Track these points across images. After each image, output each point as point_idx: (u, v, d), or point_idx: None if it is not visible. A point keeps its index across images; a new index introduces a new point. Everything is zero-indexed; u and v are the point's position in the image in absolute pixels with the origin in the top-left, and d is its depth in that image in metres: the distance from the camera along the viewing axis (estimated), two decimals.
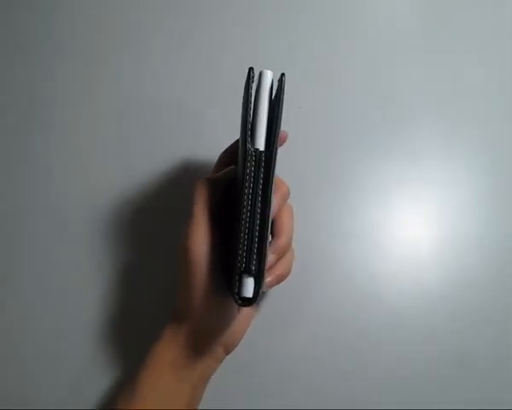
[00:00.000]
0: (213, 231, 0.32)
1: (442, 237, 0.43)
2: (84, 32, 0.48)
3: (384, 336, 0.41)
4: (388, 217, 0.44)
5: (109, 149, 0.45)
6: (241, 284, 0.27)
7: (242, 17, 0.49)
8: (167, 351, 0.34)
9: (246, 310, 0.34)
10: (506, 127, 0.46)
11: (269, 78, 0.30)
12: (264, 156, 0.28)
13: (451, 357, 0.40)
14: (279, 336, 0.40)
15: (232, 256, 0.28)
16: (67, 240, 0.43)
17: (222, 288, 0.32)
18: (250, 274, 0.27)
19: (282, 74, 0.30)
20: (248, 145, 0.28)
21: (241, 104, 0.30)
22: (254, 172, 0.28)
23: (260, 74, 0.30)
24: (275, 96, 0.30)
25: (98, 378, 0.39)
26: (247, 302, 0.27)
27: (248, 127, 0.28)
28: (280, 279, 0.33)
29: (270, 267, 0.32)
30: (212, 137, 0.44)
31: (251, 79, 0.29)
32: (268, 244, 0.29)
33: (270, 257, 0.32)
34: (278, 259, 0.33)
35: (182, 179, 0.44)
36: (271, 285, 0.33)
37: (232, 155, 0.36)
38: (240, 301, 0.27)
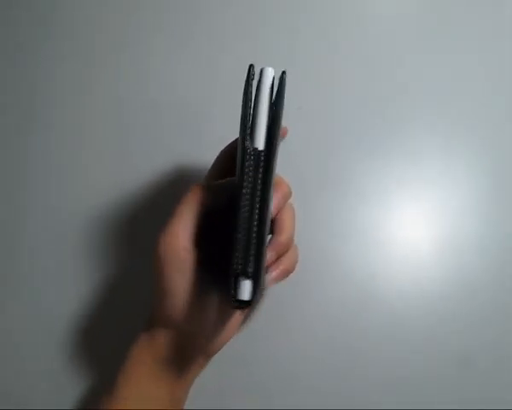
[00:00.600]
0: (199, 233, 0.31)
1: (442, 237, 0.43)
2: (84, 31, 0.48)
3: (384, 336, 0.41)
4: (388, 217, 0.44)
5: (109, 149, 0.45)
6: (237, 287, 0.26)
7: (242, 17, 0.49)
8: (144, 356, 0.32)
9: (234, 317, 0.32)
10: (506, 127, 0.46)
11: (270, 76, 0.29)
12: (264, 156, 0.27)
13: (451, 357, 0.40)
14: (279, 336, 0.40)
15: (227, 260, 0.27)
16: (67, 240, 0.43)
17: (210, 293, 0.31)
18: (247, 276, 0.26)
19: (283, 72, 0.29)
20: (247, 144, 0.27)
21: (241, 104, 0.30)
22: (253, 171, 0.27)
23: (261, 71, 0.29)
24: (276, 94, 0.29)
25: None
26: (244, 305, 0.26)
27: (248, 126, 0.28)
28: (285, 274, 0.32)
29: (271, 264, 0.31)
30: (212, 137, 0.44)
31: (251, 77, 0.29)
32: (267, 244, 0.29)
33: (270, 254, 0.30)
34: (278, 257, 0.31)
35: (181, 179, 0.44)
36: (277, 280, 0.31)
37: (230, 154, 0.35)
38: (236, 304, 0.26)
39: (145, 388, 0.32)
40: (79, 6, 0.49)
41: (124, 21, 0.49)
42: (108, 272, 0.42)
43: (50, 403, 0.39)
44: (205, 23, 0.49)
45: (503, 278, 0.42)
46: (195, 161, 0.44)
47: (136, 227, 0.43)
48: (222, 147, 0.37)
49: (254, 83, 0.29)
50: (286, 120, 0.29)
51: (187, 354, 0.32)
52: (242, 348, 0.40)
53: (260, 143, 0.28)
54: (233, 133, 0.35)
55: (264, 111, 0.28)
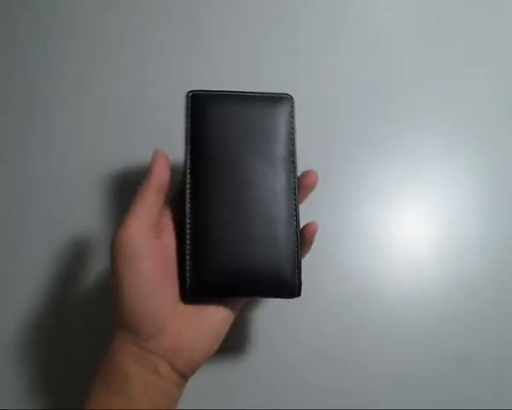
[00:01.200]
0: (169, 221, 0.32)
1: (442, 237, 0.43)
2: (84, 31, 0.48)
3: (384, 336, 0.41)
4: (388, 217, 0.44)
5: (110, 148, 0.45)
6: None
7: (242, 17, 0.49)
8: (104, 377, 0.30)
9: (213, 330, 0.31)
10: (506, 127, 0.46)
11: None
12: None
13: (451, 357, 0.40)
14: (278, 337, 0.40)
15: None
16: (67, 239, 0.43)
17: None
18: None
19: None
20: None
21: None
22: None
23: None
24: None
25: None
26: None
27: None
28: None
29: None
30: None
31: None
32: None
33: None
34: None
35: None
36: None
37: None
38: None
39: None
40: (79, 6, 0.49)
41: (124, 21, 0.49)
42: (106, 275, 0.42)
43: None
44: (205, 23, 0.49)
45: (503, 278, 0.42)
46: None
47: None
48: None
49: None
50: None
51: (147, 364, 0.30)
52: (242, 349, 0.40)
53: None
54: None
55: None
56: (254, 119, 0.33)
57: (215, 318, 0.31)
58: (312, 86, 0.47)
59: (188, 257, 0.31)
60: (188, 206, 0.32)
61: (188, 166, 0.33)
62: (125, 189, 0.44)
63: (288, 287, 0.32)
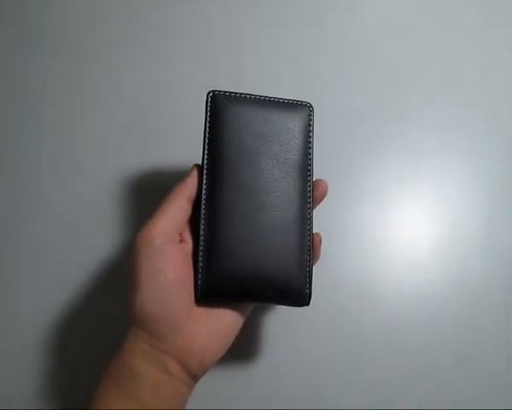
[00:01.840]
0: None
1: (442, 238, 0.43)
2: (76, 28, 0.48)
3: (383, 338, 0.40)
4: (388, 217, 0.43)
5: (101, 146, 0.45)
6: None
7: (242, 17, 0.49)
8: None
9: (225, 332, 0.32)
10: (507, 127, 0.46)
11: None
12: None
13: (452, 358, 0.40)
14: (277, 338, 0.40)
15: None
16: (62, 238, 0.42)
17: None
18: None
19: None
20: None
21: None
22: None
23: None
24: None
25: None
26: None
27: None
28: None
29: None
30: None
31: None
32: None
33: None
34: None
35: (176, 178, 0.43)
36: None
37: None
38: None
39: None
40: (71, 3, 0.49)
41: (115, 18, 0.48)
42: (108, 272, 0.41)
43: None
44: (199, 20, 0.48)
45: (504, 280, 0.42)
46: (190, 158, 0.43)
47: (130, 225, 0.42)
48: None
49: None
50: None
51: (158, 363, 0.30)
52: (242, 349, 0.39)
53: None
54: None
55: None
56: (273, 124, 0.34)
57: (226, 320, 0.32)
58: (311, 86, 0.46)
59: (200, 258, 0.32)
60: (203, 207, 0.32)
61: (204, 168, 0.33)
62: (117, 185, 0.43)
63: (299, 295, 0.32)
